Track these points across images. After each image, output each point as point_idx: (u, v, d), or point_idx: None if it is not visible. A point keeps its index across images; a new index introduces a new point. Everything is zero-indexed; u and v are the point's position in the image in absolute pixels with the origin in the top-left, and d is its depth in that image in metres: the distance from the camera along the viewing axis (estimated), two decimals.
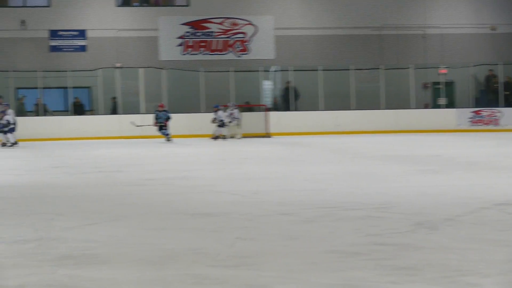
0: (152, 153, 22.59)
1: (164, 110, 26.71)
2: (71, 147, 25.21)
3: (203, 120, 30.56)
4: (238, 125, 29.83)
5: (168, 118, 26.67)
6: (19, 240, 7.91)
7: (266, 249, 7.48)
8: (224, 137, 28.44)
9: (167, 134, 27.06)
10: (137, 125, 27.85)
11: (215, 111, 28.65)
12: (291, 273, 6.22)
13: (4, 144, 24.98)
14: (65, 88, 32.04)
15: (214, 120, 28.55)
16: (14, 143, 25.08)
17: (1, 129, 25.21)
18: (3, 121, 25.08)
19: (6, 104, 25.72)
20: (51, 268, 6.59)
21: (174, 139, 27.56)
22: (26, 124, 29.72)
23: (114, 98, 31.93)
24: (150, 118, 30.44)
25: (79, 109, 31.76)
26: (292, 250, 7.24)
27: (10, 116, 25.29)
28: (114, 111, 31.74)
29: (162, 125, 26.98)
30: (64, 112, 31.78)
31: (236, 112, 29.69)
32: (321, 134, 31.57)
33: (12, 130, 25.28)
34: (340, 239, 7.71)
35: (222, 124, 28.52)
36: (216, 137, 28.38)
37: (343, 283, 5.81)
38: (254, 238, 8.04)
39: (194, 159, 20.11)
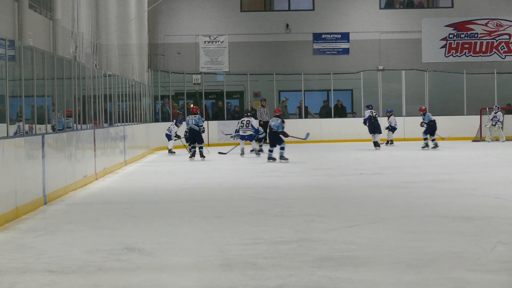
0: (413, 155, 22.42)
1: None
2: (332, 150, 25.56)
3: (466, 123, 29.92)
4: (501, 128, 28.95)
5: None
6: (279, 241, 8.13)
7: None
8: (390, 142, 27.36)
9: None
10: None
11: (388, 116, 27.64)
12: None
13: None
14: (328, 90, 32.57)
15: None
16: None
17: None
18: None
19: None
20: (310, 269, 6.73)
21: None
22: (288, 127, 30.42)
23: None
24: (410, 120, 30.29)
25: (341, 112, 32.14)
26: None
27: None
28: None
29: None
30: (326, 114, 32.26)
31: (499, 114, 28.82)
32: None
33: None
34: None
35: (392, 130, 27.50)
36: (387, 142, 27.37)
37: None
38: None
39: (456, 162, 19.74)
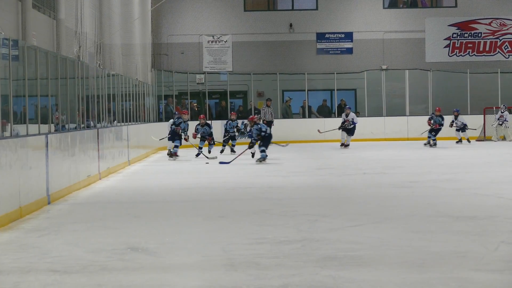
0: (416, 155, 22.41)
1: (440, 115, 25.84)
2: (335, 149, 25.55)
3: (470, 122, 29.87)
4: (508, 127, 28.90)
5: (441, 124, 25.81)
6: (283, 241, 8.12)
7: None
8: (468, 140, 27.59)
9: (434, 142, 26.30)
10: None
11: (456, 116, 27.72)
12: None
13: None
14: (331, 90, 32.57)
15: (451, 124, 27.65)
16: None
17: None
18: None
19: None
20: (314, 269, 6.72)
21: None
22: (291, 126, 30.57)
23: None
24: (414, 120, 30.32)
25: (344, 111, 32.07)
26: None
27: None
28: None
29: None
30: (329, 114, 32.27)
31: (506, 114, 28.79)
32: None
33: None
34: None
35: (463, 129, 27.55)
36: (458, 141, 27.63)
37: None
38: None
39: (459, 162, 19.72)
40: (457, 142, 27.75)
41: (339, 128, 26.11)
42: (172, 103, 30.51)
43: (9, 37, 10.83)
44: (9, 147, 9.98)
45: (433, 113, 26.24)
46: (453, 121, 27.72)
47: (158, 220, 9.93)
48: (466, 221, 9.30)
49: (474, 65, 32.90)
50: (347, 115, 26.03)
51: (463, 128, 27.64)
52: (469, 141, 27.68)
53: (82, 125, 15.41)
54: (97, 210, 11.50)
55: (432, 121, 25.75)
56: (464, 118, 27.81)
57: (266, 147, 20.07)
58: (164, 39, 32.64)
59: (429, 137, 25.86)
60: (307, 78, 32.08)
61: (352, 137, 26.12)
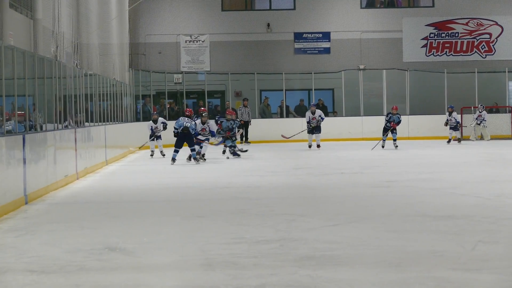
0: (393, 155, 22.47)
1: (397, 114, 25.68)
2: (313, 149, 25.56)
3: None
4: (486, 127, 29.00)
5: (399, 122, 25.68)
6: (260, 241, 8.13)
7: (509, 253, 7.26)
8: (459, 140, 27.56)
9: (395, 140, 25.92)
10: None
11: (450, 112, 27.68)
12: None
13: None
14: (309, 90, 32.61)
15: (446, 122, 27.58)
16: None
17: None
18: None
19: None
20: (292, 269, 6.73)
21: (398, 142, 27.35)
22: (269, 126, 30.57)
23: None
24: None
25: (322, 111, 32.08)
26: None
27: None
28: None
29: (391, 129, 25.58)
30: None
31: (484, 113, 28.90)
32: None
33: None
34: None
35: (455, 127, 27.54)
36: (449, 140, 27.56)
37: None
38: (497, 242, 7.84)
39: (436, 161, 19.80)
40: (448, 141, 27.52)
41: (308, 130, 25.23)
42: (149, 103, 30.43)
43: None
44: None
45: (390, 112, 25.59)
46: (448, 120, 27.52)
47: (135, 220, 9.91)
48: (444, 220, 9.34)
49: (451, 65, 33.04)
50: (313, 113, 25.12)
51: (455, 126, 27.46)
52: (459, 141, 27.54)
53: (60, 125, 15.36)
54: (74, 210, 11.46)
55: (390, 120, 25.09)
56: (458, 116, 27.67)
57: (179, 147, 19.47)
58: (142, 38, 32.55)
59: (384, 139, 25.18)
60: (284, 78, 32.09)
61: (320, 135, 25.41)
